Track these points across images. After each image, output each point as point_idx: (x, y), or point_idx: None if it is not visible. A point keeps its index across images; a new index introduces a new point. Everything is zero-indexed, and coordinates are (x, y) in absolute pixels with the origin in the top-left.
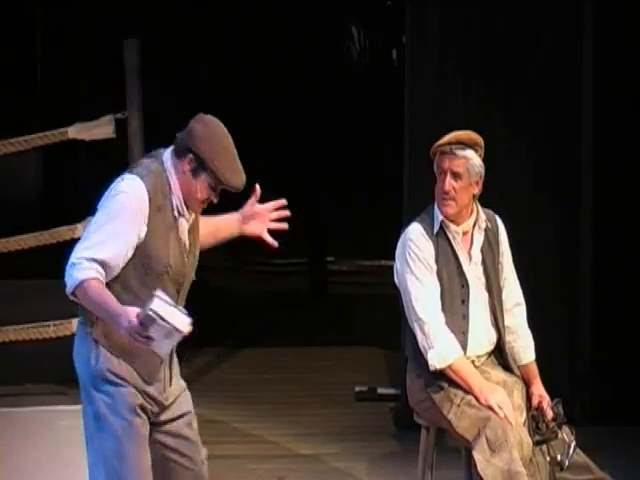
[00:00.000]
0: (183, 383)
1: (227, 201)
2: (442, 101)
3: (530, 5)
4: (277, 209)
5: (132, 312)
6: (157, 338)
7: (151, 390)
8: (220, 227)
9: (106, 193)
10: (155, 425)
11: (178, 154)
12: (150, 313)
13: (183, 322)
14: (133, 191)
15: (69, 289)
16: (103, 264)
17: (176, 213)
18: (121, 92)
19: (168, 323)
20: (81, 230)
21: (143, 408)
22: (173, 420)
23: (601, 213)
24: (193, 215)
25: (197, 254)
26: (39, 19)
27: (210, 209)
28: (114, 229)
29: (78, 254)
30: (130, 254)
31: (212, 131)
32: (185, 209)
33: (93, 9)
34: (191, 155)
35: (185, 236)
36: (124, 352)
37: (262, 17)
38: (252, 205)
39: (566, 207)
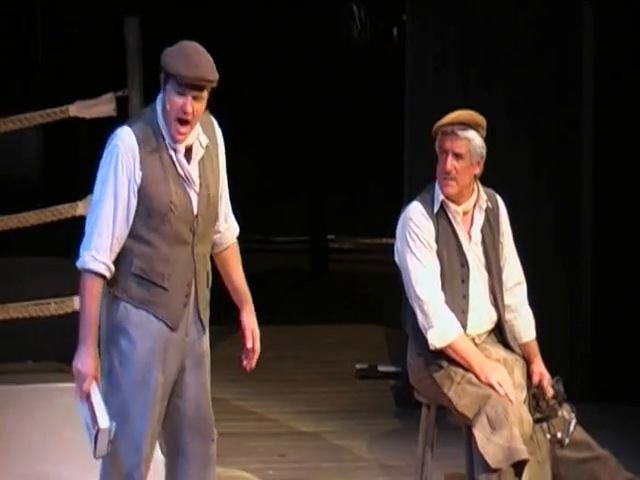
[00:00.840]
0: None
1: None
2: (443, 81)
3: None
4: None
5: (91, 362)
6: (84, 410)
7: (174, 337)
8: (237, 289)
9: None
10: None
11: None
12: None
13: (103, 419)
14: (121, 140)
15: (78, 266)
16: (112, 245)
17: (171, 151)
18: (122, 70)
19: (93, 416)
20: (82, 208)
21: (163, 368)
22: (190, 386)
23: (601, 193)
24: (203, 151)
25: (213, 194)
26: None
27: None
28: (112, 199)
29: (93, 241)
30: (134, 208)
31: (177, 46)
32: (177, 145)
33: None
34: (162, 74)
35: (189, 172)
36: (145, 301)
37: None
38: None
39: (566, 190)
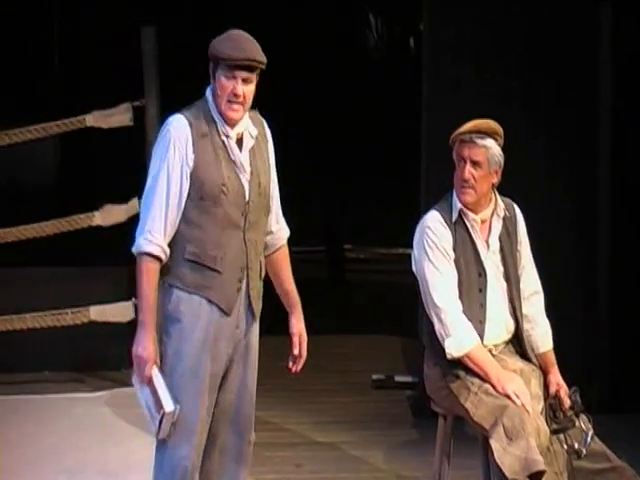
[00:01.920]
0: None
1: None
2: (459, 90)
3: (546, 5)
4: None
5: (151, 347)
6: (145, 394)
7: (226, 327)
8: (287, 293)
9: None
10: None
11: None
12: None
13: (167, 402)
14: (173, 125)
15: (134, 251)
16: (166, 229)
17: (224, 137)
18: (139, 80)
19: (157, 400)
20: (99, 218)
21: (213, 358)
22: (234, 382)
23: (618, 199)
24: (253, 142)
25: (264, 184)
26: (56, 5)
27: None
28: (165, 183)
29: (147, 225)
30: (186, 192)
31: (224, 34)
32: (229, 129)
33: None
34: (212, 63)
35: (240, 158)
36: (199, 286)
37: (278, 3)
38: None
39: (583, 194)
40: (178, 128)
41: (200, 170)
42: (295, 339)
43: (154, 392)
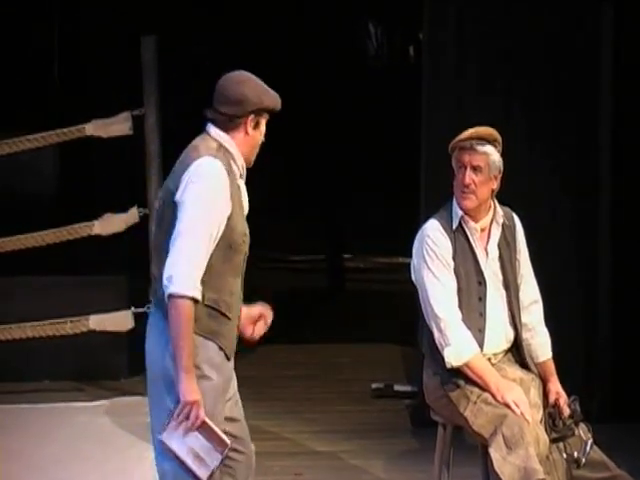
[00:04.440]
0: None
1: None
2: (459, 98)
3: (550, 4)
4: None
5: (197, 389)
6: (190, 442)
7: (229, 369)
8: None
9: (186, 179)
10: None
11: (231, 124)
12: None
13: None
14: (217, 171)
15: (170, 292)
16: (200, 272)
17: (239, 180)
18: (138, 89)
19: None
20: (98, 227)
21: (224, 401)
22: (227, 401)
23: (619, 211)
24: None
25: None
26: (56, 15)
27: None
28: (209, 229)
29: (194, 267)
30: (217, 239)
31: (248, 82)
32: (244, 171)
33: (111, 5)
34: (252, 115)
35: (246, 208)
36: (213, 332)
37: (279, 14)
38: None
39: (584, 200)
40: (222, 176)
41: (232, 219)
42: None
43: (209, 433)
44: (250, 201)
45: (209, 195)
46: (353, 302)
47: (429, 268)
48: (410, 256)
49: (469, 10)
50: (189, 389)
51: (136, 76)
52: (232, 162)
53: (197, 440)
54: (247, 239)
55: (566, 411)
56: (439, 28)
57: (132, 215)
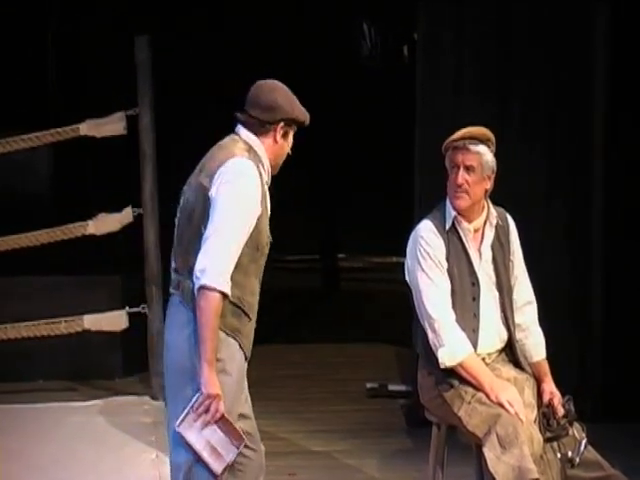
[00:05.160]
0: None
1: None
2: (454, 99)
3: (547, 5)
4: None
5: (217, 382)
6: (207, 435)
7: (245, 368)
8: None
9: (222, 177)
10: None
11: (262, 129)
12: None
13: (222, 460)
14: (254, 172)
15: (202, 283)
16: (232, 268)
17: (265, 186)
18: (132, 89)
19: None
20: (93, 227)
21: (242, 399)
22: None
23: (612, 215)
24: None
25: None
26: (51, 15)
27: None
28: (244, 227)
29: (226, 263)
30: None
31: (281, 91)
32: (270, 178)
33: (105, 5)
34: (282, 123)
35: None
36: (235, 330)
37: (273, 13)
38: None
39: (578, 202)
40: (256, 175)
41: (261, 221)
42: None
43: (227, 427)
44: None
45: (244, 194)
46: (348, 302)
47: (423, 269)
48: (404, 256)
49: (465, 10)
50: (211, 382)
51: (130, 76)
52: (260, 166)
53: (215, 433)
54: (269, 243)
55: (560, 411)
56: (435, 28)
57: (126, 215)
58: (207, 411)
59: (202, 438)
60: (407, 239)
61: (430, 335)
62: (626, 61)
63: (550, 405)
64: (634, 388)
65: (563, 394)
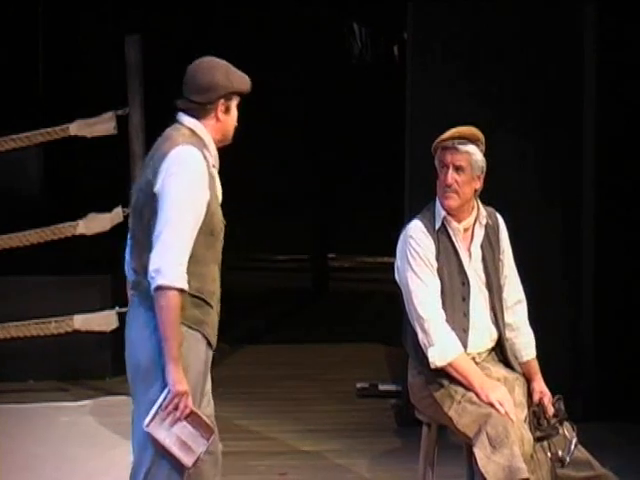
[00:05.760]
0: None
1: None
2: (444, 99)
3: (533, 6)
4: None
5: (184, 378)
6: (176, 431)
7: (209, 359)
8: None
9: (165, 169)
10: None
11: (203, 111)
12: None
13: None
14: (196, 160)
15: (158, 283)
16: (186, 261)
17: (212, 168)
18: (123, 88)
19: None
20: (83, 227)
21: (203, 393)
22: (209, 402)
23: (603, 216)
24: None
25: None
26: (41, 15)
27: None
28: (193, 218)
29: (180, 258)
30: (199, 226)
31: (217, 68)
32: (217, 160)
33: (95, 5)
34: (222, 99)
35: (220, 189)
36: (198, 321)
37: (264, 13)
38: None
39: (569, 209)
40: (200, 163)
41: (211, 205)
42: None
43: (196, 421)
44: (240, 203)
45: (190, 183)
46: (337, 302)
47: (412, 269)
48: (394, 255)
49: (455, 11)
50: (178, 379)
51: (120, 76)
52: (205, 150)
53: (184, 429)
54: (223, 227)
55: (550, 410)
56: (425, 28)
57: (116, 215)
58: (176, 409)
59: (172, 435)
60: (397, 239)
61: (420, 335)
62: (616, 62)
63: (540, 404)
64: (625, 387)
65: (553, 393)
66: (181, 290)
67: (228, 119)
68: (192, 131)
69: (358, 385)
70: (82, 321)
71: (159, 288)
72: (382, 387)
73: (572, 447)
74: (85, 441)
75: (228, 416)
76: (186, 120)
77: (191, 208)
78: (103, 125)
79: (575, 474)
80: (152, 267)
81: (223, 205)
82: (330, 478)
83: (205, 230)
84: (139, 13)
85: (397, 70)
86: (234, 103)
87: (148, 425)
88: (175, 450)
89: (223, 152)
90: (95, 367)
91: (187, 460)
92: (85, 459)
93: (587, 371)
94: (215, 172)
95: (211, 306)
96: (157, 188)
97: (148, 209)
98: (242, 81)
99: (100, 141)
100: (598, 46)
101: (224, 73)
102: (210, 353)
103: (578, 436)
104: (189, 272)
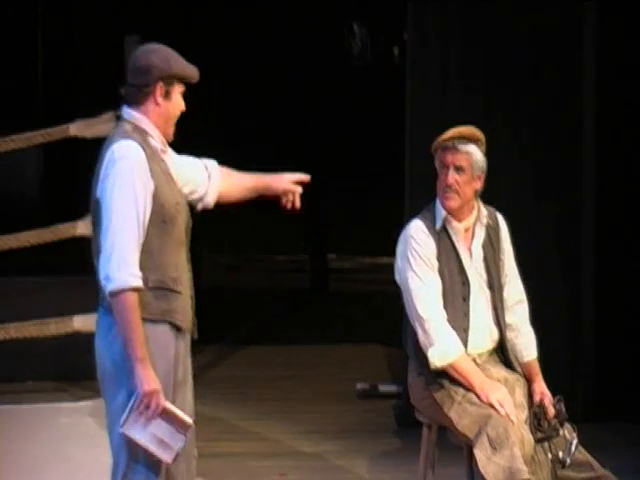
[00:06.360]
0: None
1: None
2: (443, 100)
3: (532, 5)
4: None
5: (155, 378)
6: (152, 429)
7: (182, 350)
8: (244, 180)
9: (102, 172)
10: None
11: (141, 95)
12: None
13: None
14: (130, 154)
15: (109, 290)
16: (135, 260)
17: (161, 154)
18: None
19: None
20: (82, 227)
21: (173, 384)
22: (179, 403)
23: (603, 215)
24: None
25: (184, 195)
26: (40, 14)
27: None
28: (135, 214)
29: (127, 258)
30: (147, 220)
31: (157, 51)
32: (165, 144)
33: (95, 4)
34: (160, 82)
35: (174, 174)
36: (165, 312)
37: (264, 13)
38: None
39: (568, 208)
40: (137, 156)
41: (159, 194)
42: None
43: (171, 417)
44: (239, 203)
45: (125, 182)
46: (337, 302)
47: (413, 269)
48: (394, 256)
49: (454, 11)
50: (146, 379)
51: (120, 76)
52: (149, 138)
53: (159, 426)
54: (182, 207)
55: (551, 411)
56: (422, 31)
57: None
58: (148, 408)
59: (148, 434)
60: (397, 239)
61: (420, 335)
62: (616, 60)
63: (541, 405)
64: (625, 388)
65: (553, 394)
66: (134, 289)
67: (169, 105)
68: (132, 124)
69: (358, 386)
70: (82, 322)
71: (111, 294)
72: (382, 388)
73: (572, 448)
74: (85, 442)
75: (227, 417)
76: (127, 113)
77: (131, 206)
78: (103, 125)
79: (576, 475)
80: (101, 275)
81: (220, 204)
82: (330, 479)
83: (156, 220)
84: (138, 13)
85: (397, 70)
86: (176, 89)
87: (122, 426)
88: (153, 449)
89: (226, 153)
90: (95, 368)
91: (166, 457)
92: (84, 460)
93: (587, 372)
94: (167, 157)
95: (178, 292)
96: (98, 194)
97: (96, 217)
98: (183, 67)
99: (100, 141)
100: (598, 46)
101: (163, 57)
102: (184, 340)
103: (578, 437)
104: (145, 267)
